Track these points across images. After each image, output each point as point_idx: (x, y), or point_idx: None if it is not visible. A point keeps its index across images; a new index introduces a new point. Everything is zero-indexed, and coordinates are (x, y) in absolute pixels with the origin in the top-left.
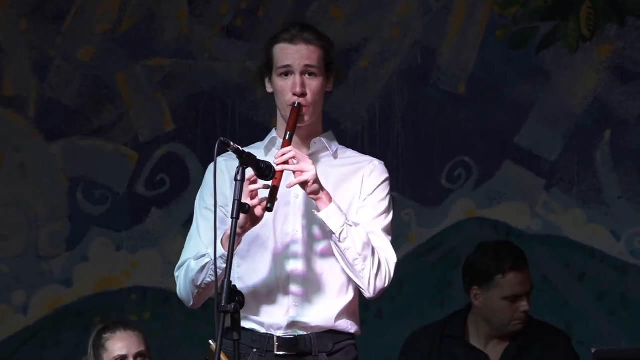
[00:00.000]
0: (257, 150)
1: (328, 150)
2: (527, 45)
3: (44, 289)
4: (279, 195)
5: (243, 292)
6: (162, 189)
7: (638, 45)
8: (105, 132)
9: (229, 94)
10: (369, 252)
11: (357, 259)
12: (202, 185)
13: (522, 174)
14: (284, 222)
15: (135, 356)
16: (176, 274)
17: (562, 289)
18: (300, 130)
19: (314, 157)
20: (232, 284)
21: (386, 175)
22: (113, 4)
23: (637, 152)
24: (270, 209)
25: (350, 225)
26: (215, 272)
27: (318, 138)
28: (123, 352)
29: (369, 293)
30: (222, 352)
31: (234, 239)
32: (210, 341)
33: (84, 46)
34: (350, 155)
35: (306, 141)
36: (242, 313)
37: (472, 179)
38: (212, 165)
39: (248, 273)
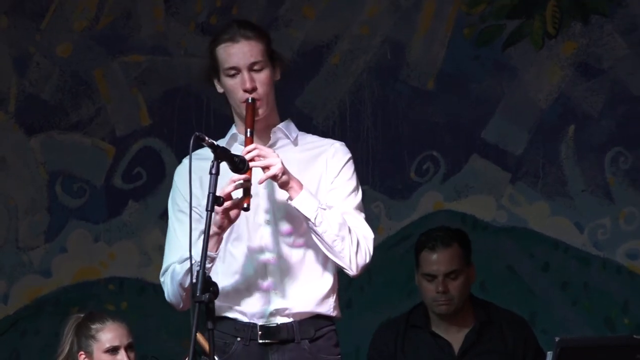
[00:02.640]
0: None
1: (288, 138)
2: (494, 43)
3: (24, 279)
4: (256, 185)
5: (225, 283)
6: (138, 182)
7: (601, 42)
8: (83, 126)
9: (203, 89)
10: (346, 232)
11: (335, 240)
12: (172, 189)
13: (488, 168)
14: (255, 214)
15: (127, 347)
16: (162, 279)
17: (527, 279)
18: (258, 123)
19: (274, 147)
20: (207, 275)
21: (349, 155)
22: (91, 2)
23: (600, 147)
24: (247, 209)
25: (324, 209)
26: (191, 262)
27: (277, 127)
28: (116, 343)
29: (351, 271)
30: (203, 337)
31: (208, 230)
32: (198, 334)
33: (62, 43)
34: (310, 140)
35: (265, 132)
36: (226, 303)
37: (440, 173)
38: (179, 169)
39: (227, 265)
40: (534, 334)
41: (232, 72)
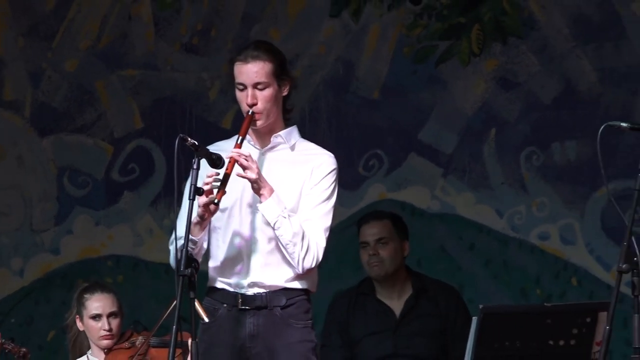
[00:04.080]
0: (231, 142)
1: (286, 143)
2: (429, 60)
3: (37, 256)
4: (243, 180)
5: (220, 257)
6: (132, 175)
7: (517, 60)
8: (87, 129)
9: (187, 99)
10: (299, 239)
11: (288, 244)
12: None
13: (424, 164)
14: (248, 200)
15: (109, 315)
16: (170, 247)
17: (456, 257)
18: (263, 129)
19: (274, 149)
20: (189, 253)
21: (333, 166)
22: (94, 25)
23: (516, 147)
24: (217, 203)
25: (285, 217)
26: (176, 246)
27: (279, 133)
28: (99, 311)
29: (297, 270)
30: (199, 304)
31: (190, 215)
32: (196, 301)
33: (70, 59)
34: (307, 148)
35: (267, 136)
36: (216, 275)
37: (384, 168)
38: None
39: (223, 243)
40: (464, 301)
41: (241, 87)
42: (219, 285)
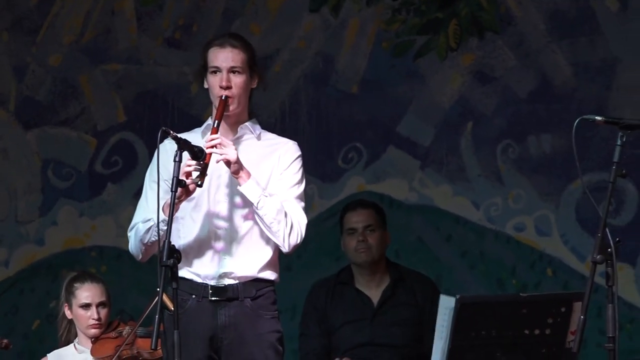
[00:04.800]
0: (195, 134)
1: (252, 133)
2: (407, 54)
3: (22, 247)
4: (213, 172)
5: (184, 248)
6: (115, 168)
7: (494, 55)
8: (71, 122)
9: (169, 92)
10: (282, 217)
11: (272, 222)
12: (151, 163)
13: (402, 157)
14: (216, 192)
15: (98, 305)
16: (129, 234)
17: (433, 248)
18: (229, 119)
19: (240, 139)
20: (172, 243)
21: (298, 153)
22: (77, 21)
23: (493, 140)
24: (200, 185)
25: (266, 196)
26: (158, 233)
27: (244, 124)
28: (88, 301)
29: (284, 248)
30: (167, 296)
31: (173, 207)
32: (164, 294)
33: (54, 54)
34: (270, 137)
35: (234, 127)
36: (184, 266)
37: (363, 161)
38: (160, 148)
39: (188, 233)
40: (440, 291)
41: (215, 69)
42: (186, 275)
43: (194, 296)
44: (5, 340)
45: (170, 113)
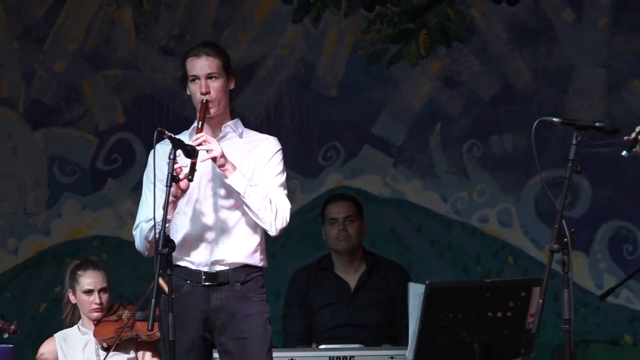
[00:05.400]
0: (185, 135)
1: (235, 132)
2: (381, 61)
3: (30, 237)
4: (203, 169)
5: (179, 238)
6: (115, 165)
7: (461, 62)
8: (74, 123)
9: (164, 96)
10: (267, 203)
11: (259, 209)
12: (147, 167)
13: (377, 155)
14: (205, 188)
15: (99, 291)
16: (134, 232)
17: (405, 238)
18: (213, 120)
19: (224, 138)
20: (167, 234)
21: (279, 147)
22: (80, 30)
23: (459, 139)
24: (191, 180)
25: (251, 186)
26: (155, 227)
27: (227, 124)
28: (90, 287)
29: (272, 232)
30: (163, 281)
31: (167, 200)
32: (160, 278)
33: (59, 61)
34: (252, 135)
35: (218, 127)
36: (179, 254)
37: (341, 158)
38: (153, 152)
39: (183, 224)
40: (411, 277)
41: (194, 78)
42: (181, 263)
43: (188, 282)
44: (12, 326)
45: (165, 115)
